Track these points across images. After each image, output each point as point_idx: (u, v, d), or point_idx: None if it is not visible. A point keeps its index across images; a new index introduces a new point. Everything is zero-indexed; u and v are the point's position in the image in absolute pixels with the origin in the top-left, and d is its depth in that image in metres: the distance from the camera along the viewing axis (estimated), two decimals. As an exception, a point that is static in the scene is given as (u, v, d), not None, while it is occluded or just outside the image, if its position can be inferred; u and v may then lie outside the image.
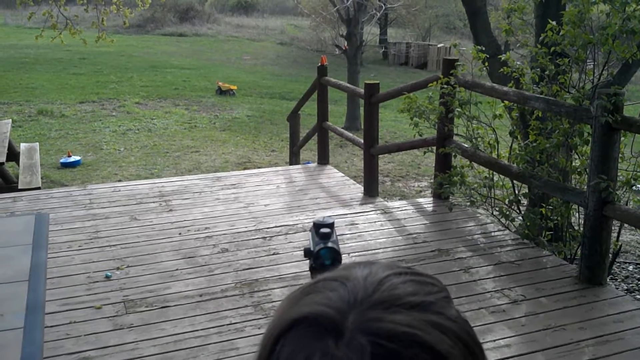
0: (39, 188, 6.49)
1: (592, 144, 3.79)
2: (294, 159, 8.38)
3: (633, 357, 3.11)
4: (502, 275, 3.97)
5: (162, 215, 5.44)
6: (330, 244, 0.88)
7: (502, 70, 4.84)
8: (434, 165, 5.58)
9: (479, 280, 3.90)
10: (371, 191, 6.26)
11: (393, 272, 0.56)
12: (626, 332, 3.30)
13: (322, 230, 0.88)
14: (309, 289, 0.56)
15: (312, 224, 0.90)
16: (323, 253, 0.88)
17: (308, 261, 0.96)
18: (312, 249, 0.90)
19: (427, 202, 5.61)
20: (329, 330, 0.51)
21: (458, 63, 4.95)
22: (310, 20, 21.89)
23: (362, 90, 6.24)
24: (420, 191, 8.34)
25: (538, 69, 4.65)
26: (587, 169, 3.99)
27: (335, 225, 0.90)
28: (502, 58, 4.83)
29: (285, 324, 0.53)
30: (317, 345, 0.50)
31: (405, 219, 5.02)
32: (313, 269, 0.90)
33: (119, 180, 7.99)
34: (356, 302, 0.52)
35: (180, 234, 4.70)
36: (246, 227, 4.80)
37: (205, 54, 22.22)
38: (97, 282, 3.86)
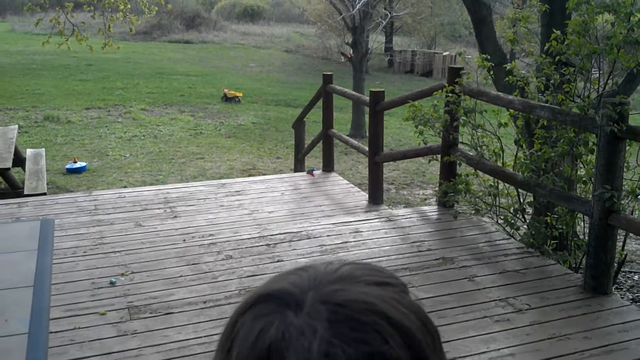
0: (44, 194, 6.51)
1: (597, 153, 3.79)
2: (298, 166, 8.39)
3: (638, 367, 3.10)
4: (506, 284, 3.96)
5: (166, 221, 5.46)
6: None
7: (507, 79, 4.84)
8: (438, 173, 5.58)
9: (483, 289, 3.89)
10: (376, 199, 6.26)
11: (352, 264, 0.60)
12: (631, 342, 3.29)
13: None
14: (274, 277, 0.60)
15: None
16: None
17: None
18: None
19: (431, 210, 5.60)
20: (289, 304, 0.53)
21: (463, 71, 4.96)
22: (316, 28, 21.96)
23: (367, 98, 6.25)
24: (425, 199, 8.33)
25: (543, 78, 4.65)
26: (592, 178, 3.99)
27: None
28: (508, 67, 4.83)
29: (249, 301, 0.56)
30: (276, 317, 0.53)
31: (409, 226, 5.02)
32: None
33: (124, 187, 8.01)
34: (317, 281, 0.55)
35: (184, 240, 4.71)
36: (250, 234, 4.80)
37: (211, 61, 22.29)
38: (102, 288, 3.87)
